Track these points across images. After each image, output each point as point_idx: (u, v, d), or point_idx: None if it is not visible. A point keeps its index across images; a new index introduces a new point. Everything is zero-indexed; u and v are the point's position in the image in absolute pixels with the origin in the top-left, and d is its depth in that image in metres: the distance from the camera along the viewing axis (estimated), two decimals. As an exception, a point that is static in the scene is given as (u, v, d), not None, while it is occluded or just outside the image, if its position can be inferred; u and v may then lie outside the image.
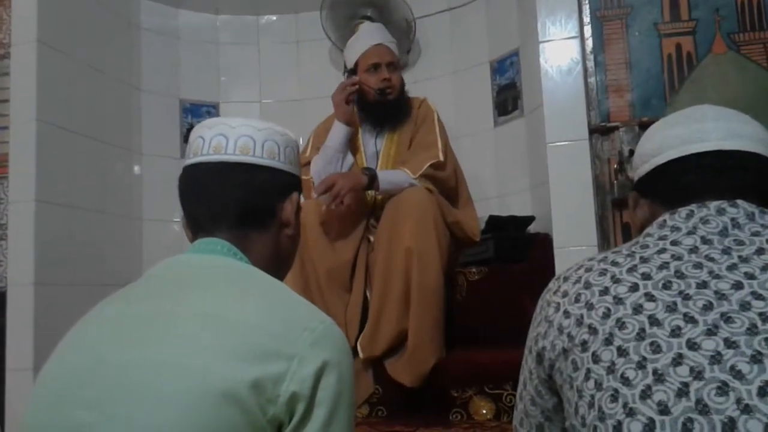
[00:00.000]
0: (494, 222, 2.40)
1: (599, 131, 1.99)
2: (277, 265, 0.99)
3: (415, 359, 1.96)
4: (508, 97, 2.78)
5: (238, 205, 0.93)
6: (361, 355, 2.01)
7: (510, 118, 2.77)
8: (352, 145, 2.35)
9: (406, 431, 1.83)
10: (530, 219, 2.42)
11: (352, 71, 2.38)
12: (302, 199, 1.32)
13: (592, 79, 2.01)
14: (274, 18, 3.21)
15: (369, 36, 2.38)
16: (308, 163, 2.29)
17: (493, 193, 2.84)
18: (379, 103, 2.32)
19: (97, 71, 2.58)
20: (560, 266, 1.93)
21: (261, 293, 0.83)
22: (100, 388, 0.73)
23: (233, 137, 0.94)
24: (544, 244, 2.18)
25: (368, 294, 2.14)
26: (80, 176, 2.43)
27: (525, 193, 2.65)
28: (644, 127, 1.89)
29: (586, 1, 2.03)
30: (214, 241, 0.90)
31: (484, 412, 1.95)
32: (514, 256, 2.30)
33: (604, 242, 1.93)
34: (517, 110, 2.73)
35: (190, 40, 3.09)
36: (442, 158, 2.21)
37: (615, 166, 1.96)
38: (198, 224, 0.94)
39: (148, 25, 2.96)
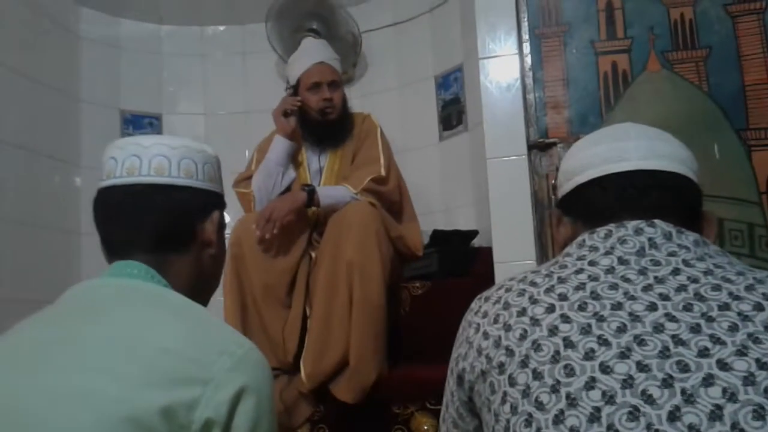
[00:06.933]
0: (438, 236, 2.40)
1: (538, 147, 2.00)
2: (200, 286, 0.96)
3: (356, 375, 1.93)
4: (453, 112, 2.79)
5: (154, 228, 0.90)
6: (304, 376, 1.96)
7: (454, 133, 2.79)
8: (295, 161, 2.32)
9: (346, 450, 1.81)
10: (474, 233, 2.43)
11: (294, 88, 2.35)
12: (227, 217, 1.29)
13: (531, 96, 2.03)
14: (220, 29, 3.17)
15: (311, 53, 2.35)
16: (250, 177, 2.26)
17: (438, 207, 2.84)
18: (319, 123, 2.30)
19: (30, 79, 2.50)
20: (500, 280, 1.93)
21: (177, 316, 0.81)
22: None
23: (147, 157, 0.91)
24: (487, 258, 2.18)
25: (308, 310, 2.10)
26: (10, 188, 2.34)
27: (469, 207, 2.65)
28: (581, 143, 1.91)
29: (525, 19, 2.04)
30: (131, 264, 0.88)
31: (426, 428, 1.93)
32: (458, 270, 2.29)
33: (543, 257, 1.94)
34: (461, 125, 2.74)
35: (132, 50, 3.02)
36: (383, 173, 2.20)
37: (553, 181, 1.97)
38: (113, 249, 0.91)
39: (88, 34, 2.89)
